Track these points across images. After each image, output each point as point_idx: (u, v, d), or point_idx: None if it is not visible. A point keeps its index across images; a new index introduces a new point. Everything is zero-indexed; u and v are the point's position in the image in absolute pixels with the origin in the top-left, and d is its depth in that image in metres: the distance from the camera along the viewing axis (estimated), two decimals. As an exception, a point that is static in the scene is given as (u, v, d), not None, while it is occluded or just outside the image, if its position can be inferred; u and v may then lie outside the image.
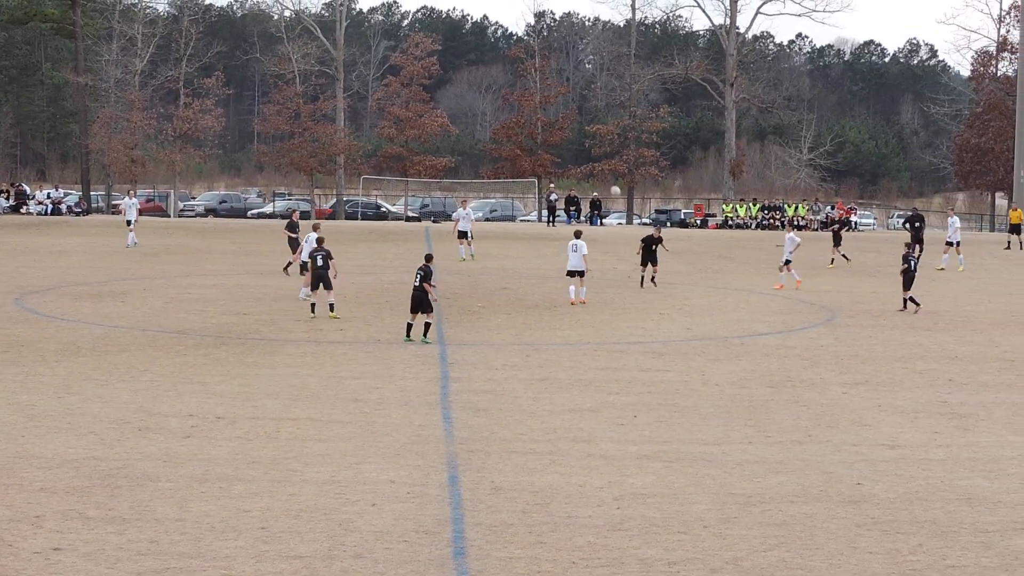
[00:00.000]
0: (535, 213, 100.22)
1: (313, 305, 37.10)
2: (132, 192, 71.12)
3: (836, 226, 62.94)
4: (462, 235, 55.83)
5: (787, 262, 46.01)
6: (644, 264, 45.48)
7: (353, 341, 32.80)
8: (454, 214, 56.15)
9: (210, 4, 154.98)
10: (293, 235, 47.06)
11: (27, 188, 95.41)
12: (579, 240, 41.35)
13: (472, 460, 20.47)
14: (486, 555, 15.86)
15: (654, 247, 45.50)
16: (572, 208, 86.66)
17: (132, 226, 59.51)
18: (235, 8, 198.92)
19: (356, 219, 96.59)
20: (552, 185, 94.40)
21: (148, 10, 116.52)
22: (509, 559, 15.76)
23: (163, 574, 14.94)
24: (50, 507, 17.34)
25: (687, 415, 24.45)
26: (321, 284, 36.92)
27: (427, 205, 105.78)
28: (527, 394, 26.21)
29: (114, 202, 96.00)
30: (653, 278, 45.36)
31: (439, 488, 18.83)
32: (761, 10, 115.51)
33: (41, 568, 14.96)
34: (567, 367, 29.61)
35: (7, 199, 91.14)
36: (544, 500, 18.29)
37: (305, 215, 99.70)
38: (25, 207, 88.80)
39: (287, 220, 49.11)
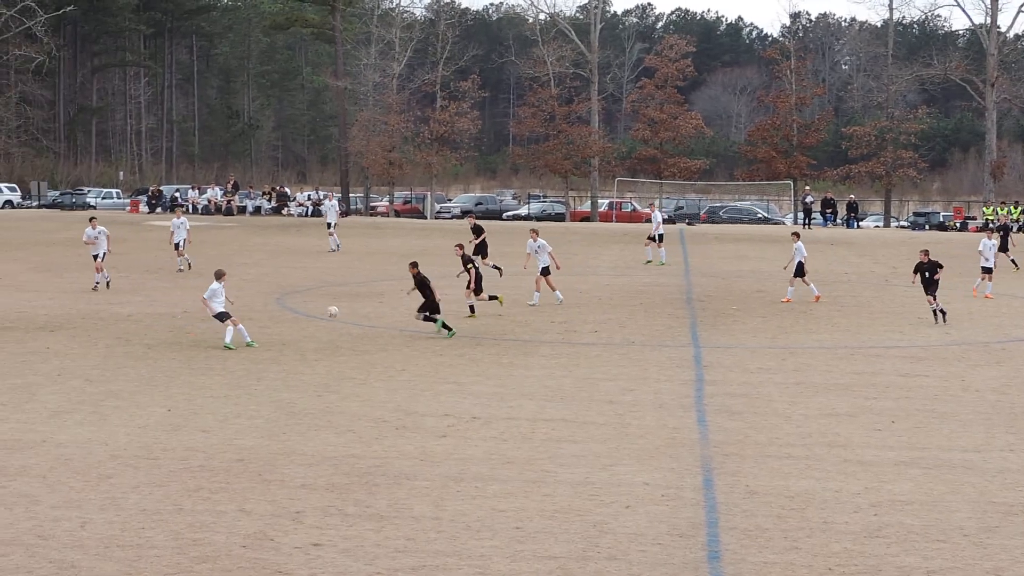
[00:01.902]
0: (791, 215, 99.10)
1: (472, 307, 37.42)
2: (330, 195, 72.30)
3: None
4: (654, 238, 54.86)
5: None
6: (927, 293, 37.73)
7: (607, 343, 32.82)
8: (652, 217, 55.64)
9: (466, 8, 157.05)
10: (482, 237, 47.04)
11: (288, 190, 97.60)
12: (800, 243, 42.01)
13: (727, 464, 20.29)
14: (741, 559, 15.71)
15: (932, 275, 37.37)
16: (828, 210, 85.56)
17: (332, 229, 60.12)
18: (491, 12, 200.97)
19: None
20: (808, 187, 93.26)
21: (405, 14, 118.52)
22: (764, 564, 15.57)
23: (419, 571, 15.10)
24: (310, 503, 17.68)
25: (946, 421, 23.89)
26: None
27: (681, 207, 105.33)
28: (782, 398, 25.90)
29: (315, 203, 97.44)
30: (941, 311, 37.37)
31: (693, 491, 18.71)
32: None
33: (301, 563, 15.24)
34: (823, 371, 29.19)
35: (269, 201, 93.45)
36: (800, 505, 18.04)
37: (560, 217, 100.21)
38: (286, 208, 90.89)
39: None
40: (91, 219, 44.34)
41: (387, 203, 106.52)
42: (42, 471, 19.05)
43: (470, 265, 37.25)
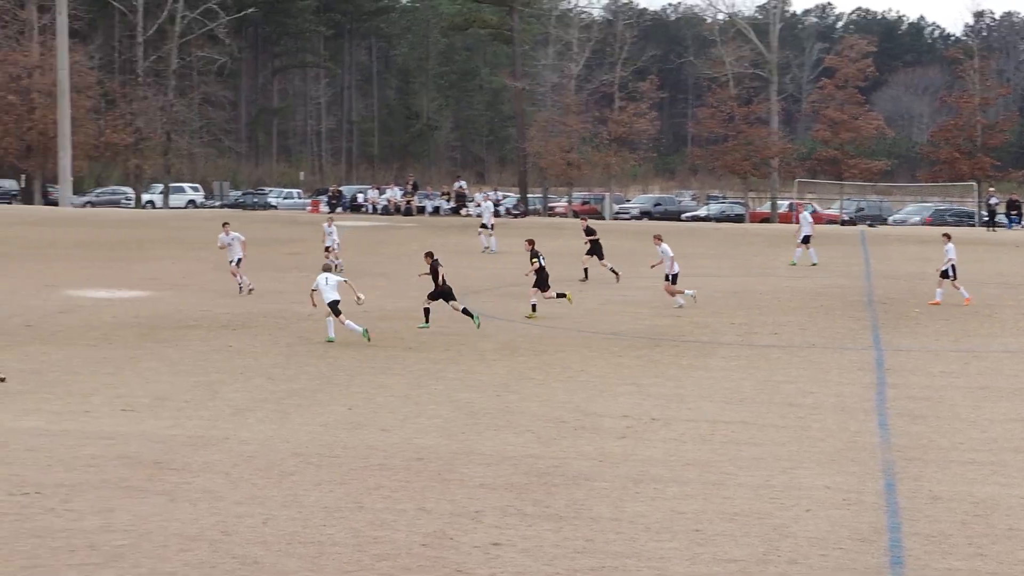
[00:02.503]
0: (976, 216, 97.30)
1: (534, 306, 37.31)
2: (487, 196, 72.37)
3: None
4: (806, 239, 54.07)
5: None
6: None
7: (787, 345, 32.50)
8: (800, 218, 55.07)
9: (644, 8, 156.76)
10: (594, 238, 46.88)
11: (467, 190, 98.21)
12: (950, 244, 41.21)
13: (909, 468, 19.96)
14: (924, 565, 15.43)
15: None
16: (1013, 212, 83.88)
17: (491, 230, 60.13)
18: (669, 12, 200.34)
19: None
20: (992, 189, 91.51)
21: (583, 15, 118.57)
22: (948, 570, 15.28)
23: (598, 572, 15.06)
24: (489, 503, 17.73)
25: None
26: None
27: (862, 209, 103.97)
28: (966, 402, 25.42)
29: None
30: None
31: (875, 496, 18.43)
32: None
33: (481, 562, 15.28)
34: (1008, 375, 28.62)
35: (448, 201, 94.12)
36: (985, 511, 17.68)
37: (739, 218, 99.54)
38: (464, 208, 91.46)
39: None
40: (224, 224, 43.79)
41: (565, 204, 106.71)
42: (225, 468, 19.35)
43: (535, 260, 37.38)
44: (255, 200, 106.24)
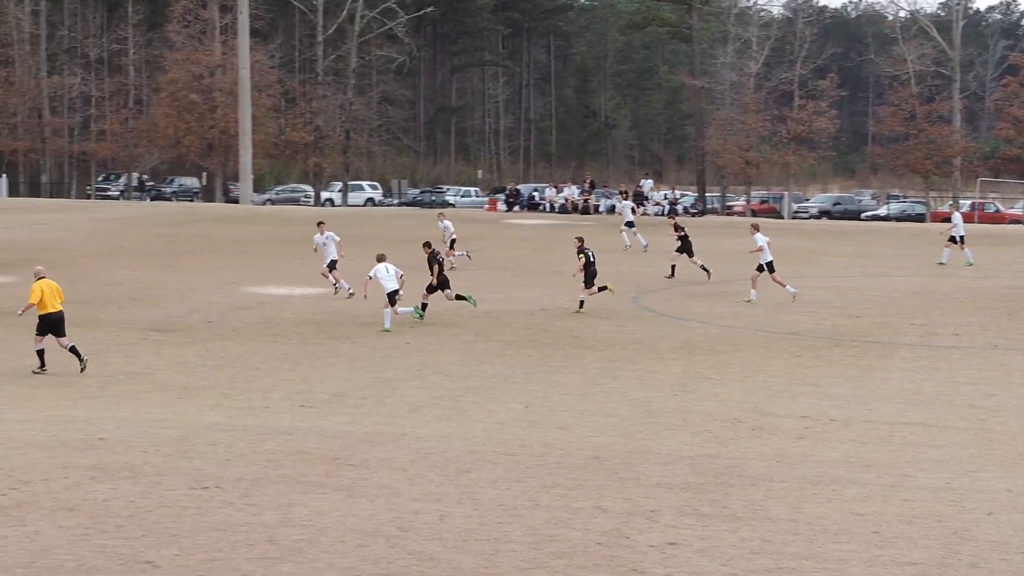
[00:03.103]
0: None
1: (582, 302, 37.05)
2: (626, 193, 71.69)
3: None
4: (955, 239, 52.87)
5: None
6: None
7: (969, 346, 31.90)
8: (952, 218, 53.96)
9: (824, 6, 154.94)
10: (682, 235, 46.46)
11: (645, 189, 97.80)
12: None
13: (1097, 474, 19.49)
14: (1113, 574, 15.04)
15: None
16: None
17: (635, 229, 59.69)
18: (849, 9, 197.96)
19: None
20: None
21: (763, 13, 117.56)
22: None
23: (775, 574, 14.89)
24: (665, 502, 17.63)
25: None
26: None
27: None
28: None
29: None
30: None
31: (1062, 501, 18.02)
32: None
33: (657, 561, 15.20)
34: None
35: (625, 200, 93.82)
36: None
37: (920, 218, 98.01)
38: (642, 208, 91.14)
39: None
40: (319, 223, 42.63)
41: (744, 203, 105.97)
42: (403, 464, 19.48)
43: (582, 255, 37.45)
44: (433, 198, 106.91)
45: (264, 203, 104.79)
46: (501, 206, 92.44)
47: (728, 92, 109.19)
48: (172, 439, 20.84)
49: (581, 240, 38.36)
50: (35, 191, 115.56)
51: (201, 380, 26.44)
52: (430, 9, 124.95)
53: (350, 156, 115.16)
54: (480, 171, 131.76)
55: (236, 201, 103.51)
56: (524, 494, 17.93)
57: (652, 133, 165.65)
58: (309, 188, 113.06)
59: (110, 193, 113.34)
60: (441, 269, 36.31)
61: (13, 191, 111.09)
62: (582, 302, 37.23)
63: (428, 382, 26.52)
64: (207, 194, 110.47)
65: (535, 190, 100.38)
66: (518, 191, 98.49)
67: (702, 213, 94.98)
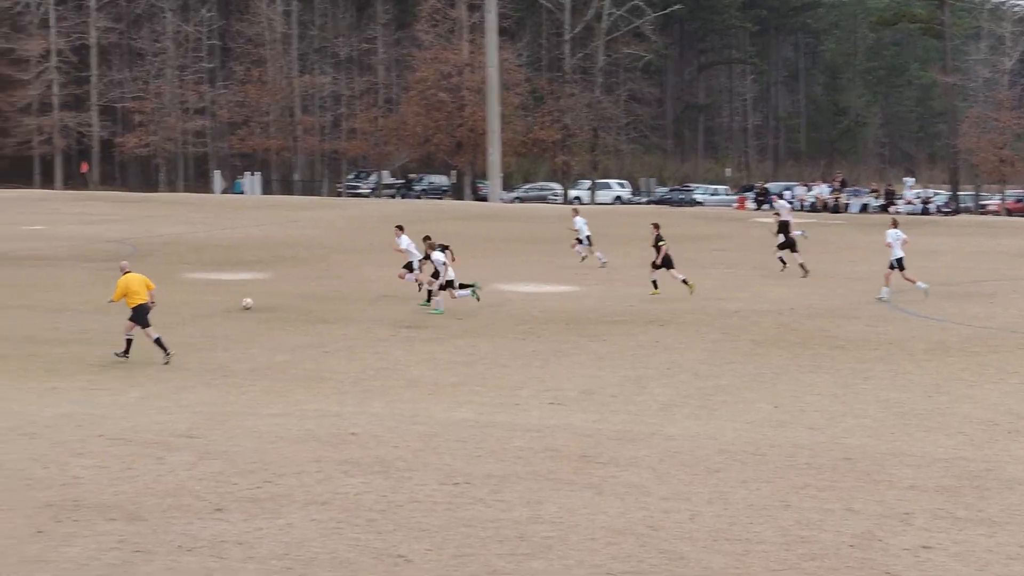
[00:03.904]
0: None
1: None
2: (781, 194, 69.98)
3: None
4: None
5: None
6: None
7: None
8: None
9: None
10: (786, 231, 46.08)
11: (906, 187, 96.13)
12: None
13: None
14: None
15: None
16: None
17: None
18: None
19: None
20: None
21: (1017, 8, 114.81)
22: None
23: (1036, 582, 14.52)
24: (919, 505, 17.26)
25: None
26: None
27: None
28: None
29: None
30: None
31: None
32: None
33: (910, 565, 14.89)
34: None
35: (876, 198, 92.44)
36: None
37: None
38: (893, 206, 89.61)
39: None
40: (398, 227, 41.16)
41: (998, 201, 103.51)
42: (652, 463, 19.40)
43: (662, 243, 39.26)
44: (681, 196, 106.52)
45: (513, 201, 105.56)
46: (750, 204, 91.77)
47: (981, 89, 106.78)
48: (422, 435, 21.07)
49: (657, 227, 40.43)
50: (287, 189, 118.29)
51: (451, 376, 26.70)
52: (677, 7, 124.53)
53: (598, 154, 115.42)
54: (728, 169, 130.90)
55: (485, 199, 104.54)
56: (774, 495, 17.72)
57: (903, 131, 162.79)
58: (557, 186, 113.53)
59: (360, 191, 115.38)
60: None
61: (266, 188, 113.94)
62: (655, 282, 40.00)
63: (677, 380, 26.40)
64: (456, 192, 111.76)
65: (784, 188, 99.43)
66: (767, 190, 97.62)
67: (955, 212, 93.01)
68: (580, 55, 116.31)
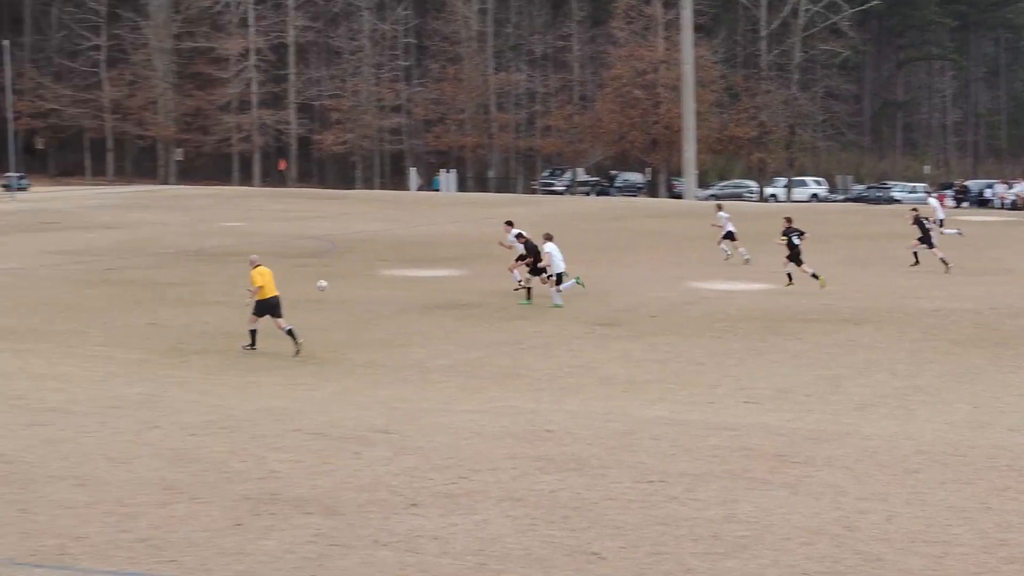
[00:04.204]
0: None
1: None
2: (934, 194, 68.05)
3: None
4: None
5: None
6: None
7: None
8: None
9: None
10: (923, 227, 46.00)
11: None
12: None
13: None
14: None
15: None
16: None
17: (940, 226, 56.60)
18: None
19: None
20: None
21: None
22: None
23: None
24: None
25: None
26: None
27: None
28: None
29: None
30: None
31: None
32: None
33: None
34: None
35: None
36: None
37: None
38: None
39: None
40: (508, 222, 41.50)
41: None
42: (848, 463, 19.16)
43: (785, 237, 40.39)
44: (878, 194, 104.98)
45: (708, 198, 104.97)
46: (949, 202, 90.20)
47: None
48: (617, 432, 21.06)
49: (790, 220, 41.73)
50: (482, 186, 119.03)
51: (645, 374, 26.65)
52: (875, 3, 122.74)
53: (794, 151, 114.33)
54: (927, 167, 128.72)
55: (680, 197, 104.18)
56: (974, 496, 17.39)
57: None
58: (753, 184, 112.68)
59: (555, 188, 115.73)
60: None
61: (462, 186, 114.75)
62: (790, 275, 41.09)
63: (874, 380, 26.04)
64: (651, 189, 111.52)
65: (985, 186, 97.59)
66: (966, 187, 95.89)
67: None
68: (776, 51, 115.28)
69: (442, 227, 65.72)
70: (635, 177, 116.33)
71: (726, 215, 49.90)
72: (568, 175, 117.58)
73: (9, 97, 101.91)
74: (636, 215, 72.93)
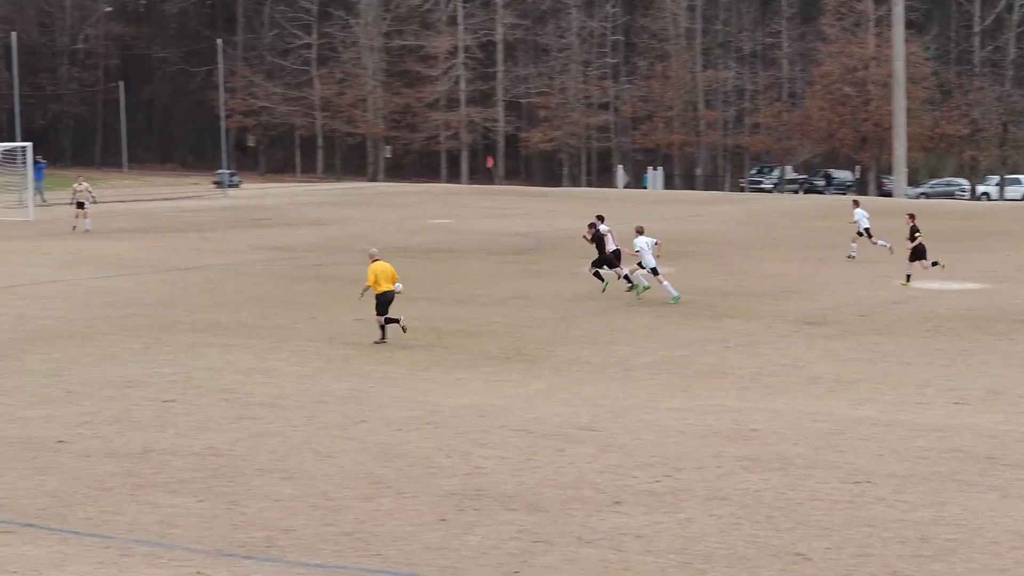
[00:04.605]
0: None
1: None
2: None
3: None
4: None
5: None
6: None
7: None
8: None
9: None
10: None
11: None
12: None
13: None
14: None
15: None
16: None
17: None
18: None
19: None
20: None
21: None
22: None
23: None
24: None
25: None
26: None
27: None
28: None
29: None
30: None
31: None
32: None
33: None
34: None
35: None
36: None
37: None
38: None
39: None
40: (598, 216, 40.61)
41: None
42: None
43: (917, 234, 40.34)
44: None
45: (918, 196, 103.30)
46: None
47: None
48: (823, 432, 20.85)
49: (913, 217, 41.51)
50: (689, 183, 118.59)
51: (852, 374, 26.31)
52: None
53: (1007, 149, 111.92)
54: None
55: (889, 195, 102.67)
56: None
57: None
58: (964, 182, 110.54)
59: (763, 186, 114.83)
60: (602, 247, 38.65)
61: (668, 183, 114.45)
62: (908, 276, 40.61)
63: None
64: (860, 187, 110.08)
65: None
66: None
67: None
68: (990, 47, 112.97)
69: (649, 225, 65.53)
70: (844, 175, 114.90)
71: (864, 212, 49.09)
72: (776, 173, 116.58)
73: (222, 95, 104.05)
74: (846, 213, 72.01)
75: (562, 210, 75.99)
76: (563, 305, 36.09)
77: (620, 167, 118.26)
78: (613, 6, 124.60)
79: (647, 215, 71.64)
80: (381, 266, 29.81)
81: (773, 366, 27.26)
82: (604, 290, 37.96)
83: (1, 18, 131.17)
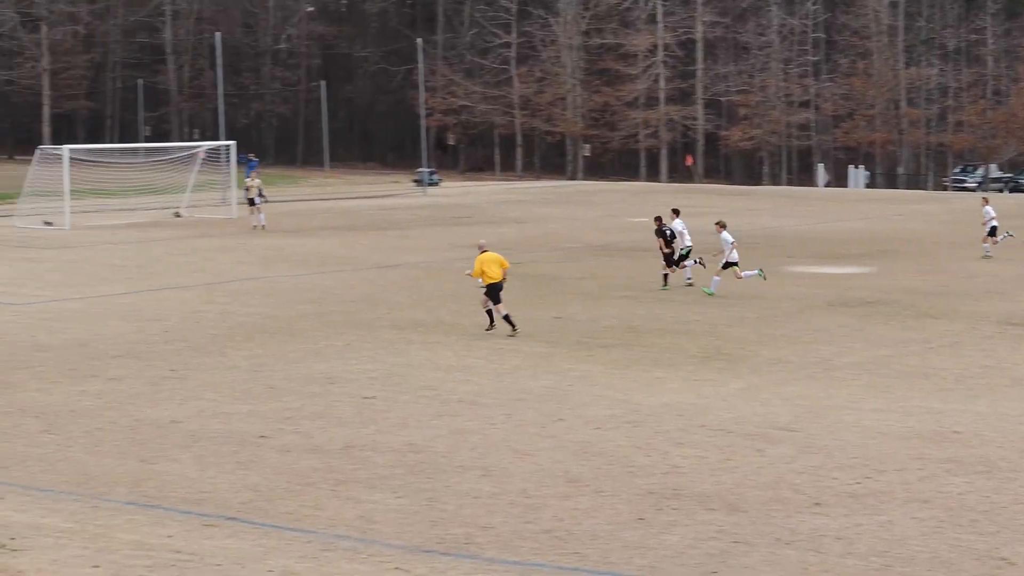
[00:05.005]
0: None
1: None
2: None
3: None
4: None
5: None
6: None
7: None
8: None
9: None
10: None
11: None
12: None
13: None
14: None
15: None
16: None
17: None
18: None
19: None
20: None
21: None
22: None
23: None
24: None
25: None
26: None
27: None
28: None
29: None
30: None
31: None
32: None
33: None
34: None
35: None
36: None
37: None
38: None
39: None
40: (673, 211, 41.55)
41: None
42: None
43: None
44: None
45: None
46: None
47: None
48: (1029, 435, 20.48)
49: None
50: (891, 182, 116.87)
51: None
52: None
53: None
54: None
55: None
56: None
57: None
58: None
59: (967, 185, 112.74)
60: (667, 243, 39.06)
61: (870, 182, 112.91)
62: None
63: None
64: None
65: None
66: None
67: None
68: None
69: (849, 224, 64.85)
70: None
71: (992, 210, 47.95)
72: (980, 171, 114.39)
73: (422, 94, 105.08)
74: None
75: (762, 208, 75.43)
76: (761, 304, 35.83)
77: (821, 165, 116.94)
78: (814, 3, 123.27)
79: (848, 214, 70.84)
80: (489, 256, 30.70)
81: (977, 367, 26.78)
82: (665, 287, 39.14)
83: (206, 19, 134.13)
